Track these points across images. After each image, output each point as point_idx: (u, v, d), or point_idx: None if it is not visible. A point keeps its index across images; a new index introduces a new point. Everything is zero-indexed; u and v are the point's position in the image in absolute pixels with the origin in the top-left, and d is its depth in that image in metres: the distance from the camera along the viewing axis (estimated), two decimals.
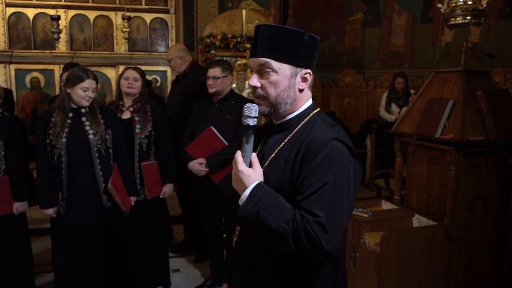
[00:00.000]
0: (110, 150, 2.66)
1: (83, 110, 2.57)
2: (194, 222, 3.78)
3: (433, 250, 2.59)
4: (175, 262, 3.59)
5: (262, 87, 1.25)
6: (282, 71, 1.23)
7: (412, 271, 2.55)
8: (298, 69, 1.25)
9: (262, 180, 1.23)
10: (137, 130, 2.90)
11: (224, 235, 3.71)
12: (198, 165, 2.95)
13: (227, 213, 3.05)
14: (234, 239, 1.39)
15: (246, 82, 4.57)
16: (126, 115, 2.95)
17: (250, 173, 1.22)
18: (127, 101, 2.97)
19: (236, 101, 3.01)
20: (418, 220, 2.79)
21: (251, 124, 1.24)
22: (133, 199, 2.81)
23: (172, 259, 3.44)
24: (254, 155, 1.26)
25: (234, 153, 3.18)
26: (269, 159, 1.29)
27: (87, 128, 2.56)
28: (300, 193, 1.16)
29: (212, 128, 2.89)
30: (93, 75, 2.56)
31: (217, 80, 2.93)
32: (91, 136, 2.54)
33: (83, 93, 2.50)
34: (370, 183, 5.84)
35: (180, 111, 3.59)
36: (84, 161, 2.55)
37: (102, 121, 2.60)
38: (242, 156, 1.25)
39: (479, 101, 2.67)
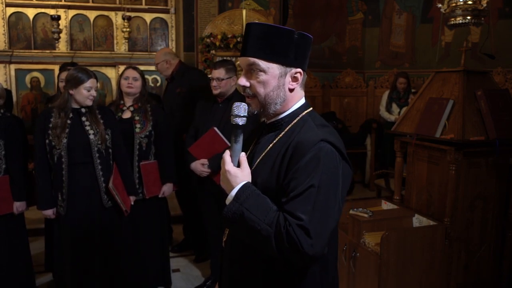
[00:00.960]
0: (110, 150, 2.66)
1: (83, 110, 2.57)
2: (194, 222, 3.79)
3: (433, 250, 2.59)
4: (175, 262, 3.59)
5: (251, 86, 1.25)
6: (271, 70, 1.22)
7: (412, 271, 2.55)
8: (288, 69, 1.24)
9: (250, 180, 1.22)
10: (137, 130, 2.91)
11: None
12: (200, 166, 2.94)
13: None
14: (224, 239, 1.38)
15: None
16: (127, 115, 2.96)
17: (237, 173, 1.21)
18: (128, 101, 2.98)
19: (240, 101, 2.99)
20: (418, 220, 2.79)
21: (240, 124, 1.24)
22: (132, 198, 2.81)
23: (172, 259, 3.43)
24: (243, 154, 1.25)
25: None
26: (258, 159, 1.28)
27: (87, 128, 2.56)
28: (285, 195, 1.14)
29: (215, 128, 2.85)
30: (93, 74, 2.57)
31: (221, 81, 2.91)
32: (91, 136, 2.55)
33: (87, 93, 2.51)
34: (370, 183, 5.84)
35: (172, 113, 3.61)
36: (84, 161, 2.55)
37: (101, 121, 2.61)
38: (231, 155, 1.24)
39: (479, 101, 2.67)
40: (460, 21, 2.84)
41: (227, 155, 1.24)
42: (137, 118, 2.94)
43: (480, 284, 2.81)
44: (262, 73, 1.22)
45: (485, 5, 2.79)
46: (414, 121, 2.90)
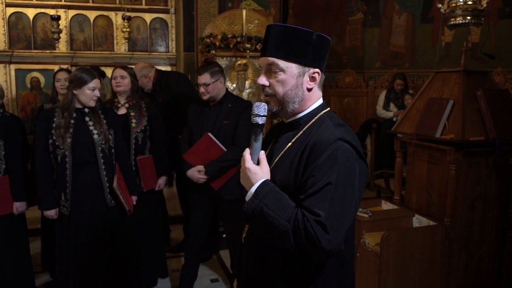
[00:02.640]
0: (113, 150, 2.67)
1: (86, 110, 2.58)
2: None
3: (433, 250, 2.59)
4: (175, 262, 3.59)
5: (270, 85, 1.28)
6: (289, 70, 1.25)
7: (412, 271, 2.55)
8: (306, 69, 1.27)
9: (269, 178, 1.25)
10: (133, 125, 3.00)
11: (224, 235, 3.70)
12: (197, 173, 2.86)
13: (229, 218, 3.01)
14: (243, 235, 1.42)
15: (247, 82, 4.57)
16: (122, 111, 3.03)
17: (257, 170, 1.24)
18: (121, 99, 3.08)
19: (233, 104, 2.90)
20: (418, 220, 2.79)
21: (260, 123, 1.26)
22: (134, 198, 2.83)
23: (172, 259, 3.44)
24: (262, 153, 1.28)
25: (234, 159, 2.80)
26: (277, 158, 1.31)
27: (91, 128, 2.57)
28: (303, 192, 1.17)
29: (209, 134, 2.81)
30: (97, 74, 2.59)
31: (208, 86, 2.82)
32: (95, 136, 2.56)
33: (91, 93, 2.52)
34: (370, 183, 5.84)
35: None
36: (88, 161, 2.56)
37: (104, 120, 2.62)
38: (250, 153, 1.27)
39: (479, 101, 2.67)
40: (460, 21, 2.84)
41: (247, 153, 1.27)
42: (132, 113, 3.02)
43: (480, 284, 2.81)
44: (281, 72, 1.25)
45: (485, 5, 2.79)
46: (414, 121, 2.90)
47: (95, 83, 2.52)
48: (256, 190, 1.21)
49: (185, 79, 4.11)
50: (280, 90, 1.26)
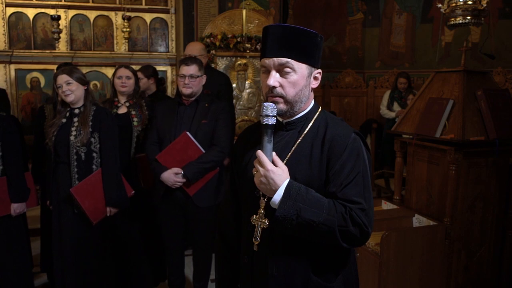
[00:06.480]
0: (94, 154, 2.58)
1: (76, 111, 2.59)
2: None
3: (433, 250, 2.59)
4: None
5: (281, 86, 1.27)
6: (300, 71, 1.27)
7: (412, 271, 2.55)
8: (313, 69, 1.31)
9: (289, 177, 1.24)
10: (135, 123, 2.99)
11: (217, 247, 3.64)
12: (174, 176, 2.59)
13: (198, 227, 2.78)
14: (256, 243, 1.32)
15: (247, 82, 4.57)
16: (122, 110, 3.02)
17: (279, 171, 1.22)
18: (122, 98, 3.06)
19: (210, 103, 2.73)
20: (418, 220, 2.79)
21: (270, 123, 1.24)
22: (109, 210, 2.61)
23: None
24: (274, 154, 1.25)
25: (214, 161, 2.73)
26: (287, 156, 1.30)
27: (72, 128, 2.56)
28: (334, 184, 1.23)
29: (188, 133, 2.60)
30: (64, 70, 2.56)
31: (195, 79, 2.65)
32: (71, 137, 2.53)
33: (60, 90, 2.55)
34: (370, 183, 5.83)
35: None
36: (64, 161, 2.57)
37: (90, 123, 2.56)
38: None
39: (479, 101, 2.67)
40: (460, 21, 2.84)
41: (263, 155, 1.23)
42: (133, 112, 3.02)
43: (480, 284, 2.81)
44: (293, 73, 1.26)
45: (485, 5, 2.79)
46: (414, 121, 2.90)
47: (59, 79, 2.53)
48: (285, 190, 1.19)
49: (226, 78, 3.88)
50: (291, 91, 1.26)
